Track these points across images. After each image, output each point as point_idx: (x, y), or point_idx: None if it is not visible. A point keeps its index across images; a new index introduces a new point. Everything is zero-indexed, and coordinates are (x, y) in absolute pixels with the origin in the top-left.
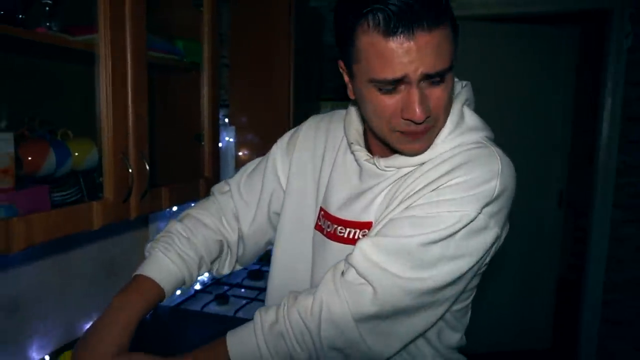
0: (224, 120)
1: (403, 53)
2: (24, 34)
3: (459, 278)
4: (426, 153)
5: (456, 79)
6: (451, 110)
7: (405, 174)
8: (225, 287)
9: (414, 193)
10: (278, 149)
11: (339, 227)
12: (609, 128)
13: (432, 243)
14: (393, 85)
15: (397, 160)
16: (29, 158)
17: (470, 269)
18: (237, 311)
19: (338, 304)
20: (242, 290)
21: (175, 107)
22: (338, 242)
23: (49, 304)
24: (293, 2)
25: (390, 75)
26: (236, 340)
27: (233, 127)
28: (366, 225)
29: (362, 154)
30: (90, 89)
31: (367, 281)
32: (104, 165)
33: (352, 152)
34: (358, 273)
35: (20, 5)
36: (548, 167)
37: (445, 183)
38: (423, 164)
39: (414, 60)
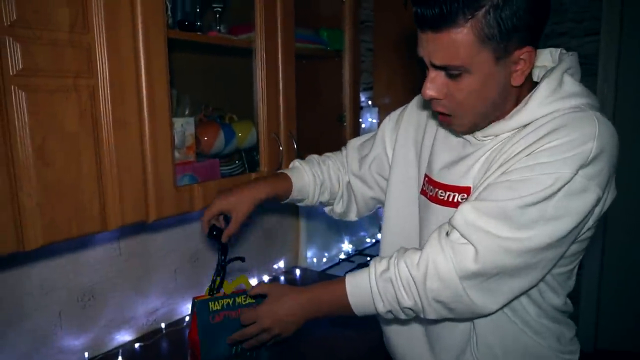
0: (367, 102)
1: (421, 41)
2: (202, 38)
3: (559, 240)
4: (521, 117)
5: (563, 50)
6: (550, 76)
7: (503, 140)
8: (367, 258)
9: (511, 158)
10: (389, 122)
11: (440, 191)
12: None
13: (529, 205)
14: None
15: (493, 128)
16: (205, 138)
17: (570, 231)
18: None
19: (443, 261)
20: None
21: (319, 91)
22: (439, 204)
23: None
24: None
25: (418, 52)
26: (353, 281)
27: (376, 108)
28: (465, 190)
29: None
30: (249, 79)
31: (469, 241)
32: (260, 143)
33: None
34: (460, 234)
35: (198, 14)
36: None
37: (541, 147)
38: (521, 129)
39: (424, 49)
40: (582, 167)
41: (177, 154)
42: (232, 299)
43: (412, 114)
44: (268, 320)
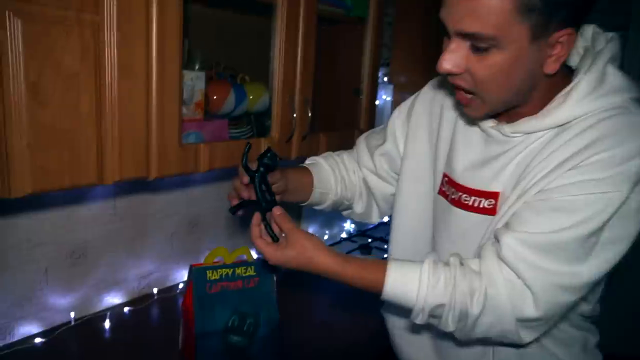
0: (382, 78)
1: (447, 2)
2: None
3: (615, 264)
4: (558, 115)
5: (597, 28)
6: (592, 68)
7: (538, 142)
8: (369, 240)
9: (551, 170)
10: (399, 113)
11: (464, 195)
12: None
13: (585, 235)
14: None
15: (524, 125)
16: (214, 97)
17: (625, 252)
18: None
19: (503, 301)
20: (386, 246)
21: (337, 61)
22: (463, 209)
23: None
24: None
25: (440, 12)
26: (398, 279)
27: (392, 86)
28: (493, 195)
29: (488, 121)
30: (266, 38)
31: (522, 279)
32: (273, 107)
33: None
34: (511, 269)
35: None
36: None
37: (587, 159)
38: (559, 130)
39: (450, 13)
40: (637, 183)
41: (184, 110)
42: (231, 270)
43: (424, 103)
44: (287, 265)
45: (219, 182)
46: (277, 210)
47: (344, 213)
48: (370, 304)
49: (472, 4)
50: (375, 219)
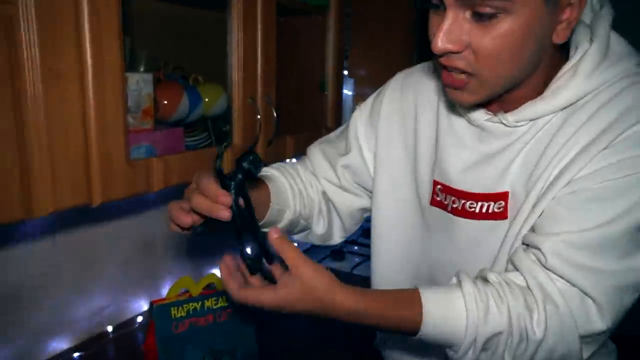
0: (342, 72)
1: None
2: None
3: None
4: (569, 93)
5: None
6: (596, 36)
7: (545, 126)
8: (341, 243)
9: (574, 158)
10: (361, 117)
11: (469, 202)
12: None
13: (635, 224)
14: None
15: (529, 110)
16: (165, 101)
17: None
18: (353, 268)
19: (565, 317)
20: (356, 247)
21: (299, 55)
22: (469, 218)
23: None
24: None
25: None
26: (437, 312)
27: (352, 80)
28: (502, 197)
29: (479, 113)
30: (221, 34)
31: (579, 288)
32: (233, 110)
33: (464, 113)
34: (565, 280)
35: None
36: None
37: (619, 136)
38: (569, 110)
39: None
40: None
41: (130, 119)
42: (199, 303)
43: (392, 103)
44: (289, 310)
45: (176, 200)
46: (274, 233)
47: (299, 236)
48: (362, 335)
49: None
50: (337, 239)
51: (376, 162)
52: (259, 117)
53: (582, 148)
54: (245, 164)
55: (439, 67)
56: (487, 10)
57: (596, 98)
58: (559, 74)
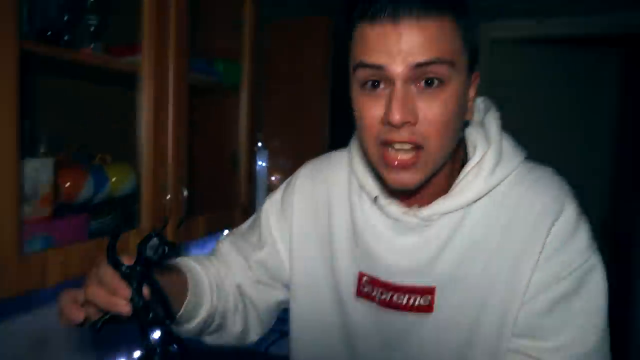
0: (257, 143)
1: (386, 39)
2: (69, 55)
3: None
4: (474, 191)
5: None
6: (492, 136)
7: (452, 220)
8: None
9: (519, 258)
10: (272, 208)
11: (396, 294)
12: None
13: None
14: (374, 78)
15: (442, 204)
16: (67, 185)
17: None
18: (267, 348)
19: None
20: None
21: (211, 132)
22: (396, 309)
23: None
24: (330, 24)
25: (368, 57)
26: None
27: (266, 151)
28: (429, 291)
29: (395, 207)
30: (129, 112)
31: None
32: (142, 191)
33: (380, 207)
34: None
35: (67, 26)
36: (589, 194)
37: (546, 237)
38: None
39: (398, 51)
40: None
41: (25, 209)
42: None
43: (304, 194)
44: None
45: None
46: None
47: (210, 338)
48: None
49: (427, 30)
50: (254, 336)
51: (291, 257)
52: (168, 197)
53: (516, 256)
54: (146, 250)
55: (378, 150)
56: (438, 74)
57: (491, 194)
58: (464, 172)
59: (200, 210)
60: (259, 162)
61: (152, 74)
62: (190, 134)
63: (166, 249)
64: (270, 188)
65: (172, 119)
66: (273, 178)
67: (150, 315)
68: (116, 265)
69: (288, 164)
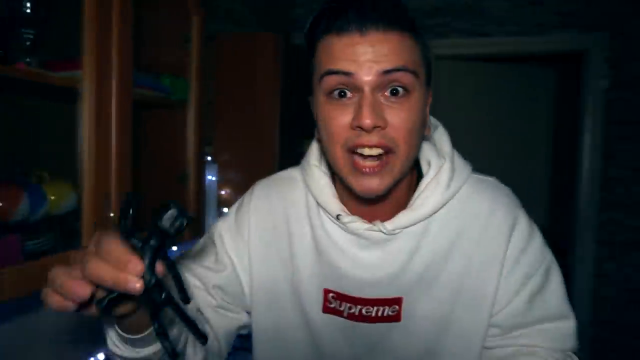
0: (206, 157)
1: (354, 48)
2: (2, 70)
3: None
4: (433, 204)
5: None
6: (445, 152)
7: (413, 232)
8: None
9: (486, 263)
10: (226, 231)
11: (364, 308)
12: (589, 165)
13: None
14: (341, 87)
15: (404, 218)
16: (0, 205)
17: None
18: None
19: None
20: None
21: (159, 146)
22: (365, 322)
23: None
24: (279, 40)
25: (336, 65)
26: None
27: (216, 165)
28: (396, 302)
29: (358, 224)
30: (69, 127)
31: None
32: (84, 209)
33: (343, 224)
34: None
35: (1, 40)
36: (529, 203)
37: (508, 244)
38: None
39: (366, 59)
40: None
41: None
42: None
43: (260, 213)
44: None
45: (7, 319)
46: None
47: None
48: None
49: (392, 41)
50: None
51: (251, 279)
52: (112, 214)
53: (481, 262)
54: (163, 223)
55: (346, 157)
56: (404, 83)
57: (447, 206)
58: (421, 186)
59: (148, 226)
60: (209, 176)
61: (93, 89)
62: (138, 148)
63: (184, 222)
64: (220, 202)
65: (116, 134)
66: (223, 192)
67: (163, 295)
68: (128, 236)
69: (238, 178)
